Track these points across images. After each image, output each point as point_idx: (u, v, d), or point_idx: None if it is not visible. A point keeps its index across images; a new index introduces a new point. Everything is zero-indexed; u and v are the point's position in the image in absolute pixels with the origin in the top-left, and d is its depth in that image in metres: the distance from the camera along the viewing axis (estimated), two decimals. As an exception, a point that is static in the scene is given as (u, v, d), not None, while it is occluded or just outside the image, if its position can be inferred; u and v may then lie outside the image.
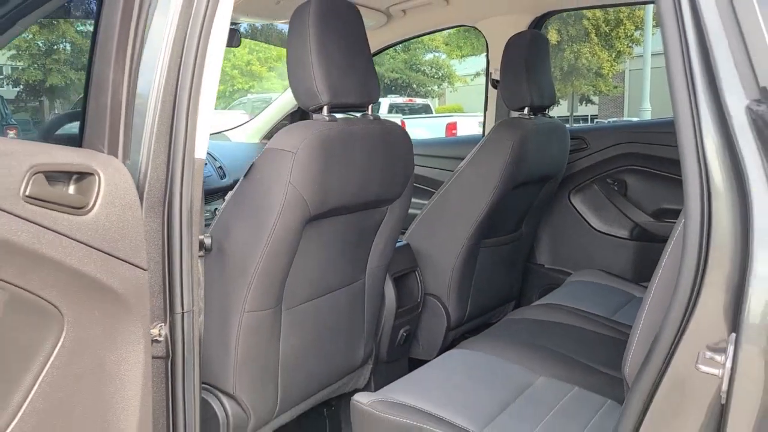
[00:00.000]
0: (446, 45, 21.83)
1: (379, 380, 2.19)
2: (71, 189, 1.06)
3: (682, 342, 0.86)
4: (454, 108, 23.14)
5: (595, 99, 23.82)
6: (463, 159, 2.36)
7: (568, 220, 2.83)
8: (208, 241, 1.44)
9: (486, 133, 2.90)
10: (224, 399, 1.61)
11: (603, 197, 2.78)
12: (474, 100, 25.64)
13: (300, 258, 1.62)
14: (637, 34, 17.64)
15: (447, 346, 2.34)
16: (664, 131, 2.73)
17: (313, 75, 1.54)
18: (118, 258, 1.10)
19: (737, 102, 0.82)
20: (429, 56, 23.76)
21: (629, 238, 2.73)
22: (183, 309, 1.30)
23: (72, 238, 1.02)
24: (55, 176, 1.03)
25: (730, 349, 0.80)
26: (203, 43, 1.27)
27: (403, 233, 2.37)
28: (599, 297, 2.28)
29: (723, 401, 0.81)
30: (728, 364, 0.79)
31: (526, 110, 2.30)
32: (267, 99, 12.96)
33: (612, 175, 2.78)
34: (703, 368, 0.82)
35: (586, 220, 2.81)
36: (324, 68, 1.54)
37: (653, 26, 16.92)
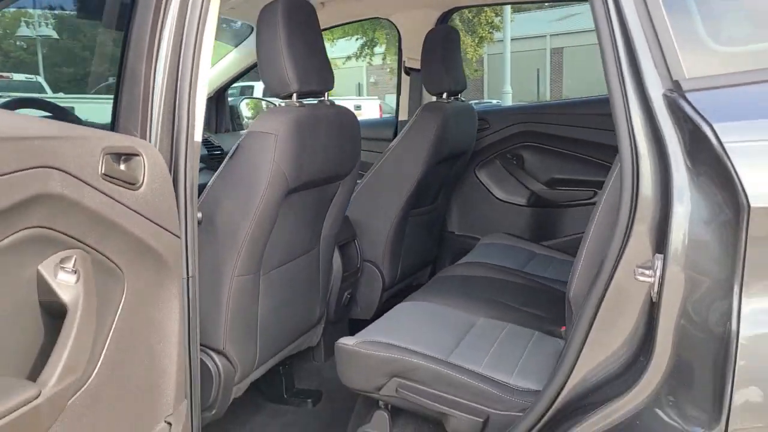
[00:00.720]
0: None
1: (327, 339, 2.44)
2: (122, 168, 1.23)
3: (621, 262, 1.20)
4: (324, 91, 23.16)
5: (459, 82, 24.85)
6: (383, 140, 2.64)
7: (474, 192, 3.19)
8: (199, 215, 1.64)
9: (400, 114, 3.22)
10: (215, 355, 1.80)
11: (504, 170, 3.16)
12: (345, 84, 25.88)
13: (275, 228, 1.84)
14: (497, 20, 18.55)
15: (381, 306, 2.63)
16: (554, 113, 3.16)
17: (284, 67, 1.76)
18: (161, 226, 1.28)
19: (656, 91, 1.15)
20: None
21: (527, 205, 3.14)
22: (188, 274, 1.49)
23: (133, 209, 1.20)
24: (113, 158, 1.20)
25: (658, 263, 1.14)
26: (199, 41, 1.45)
27: None
28: (508, 255, 2.65)
29: (654, 299, 1.15)
30: (658, 273, 1.14)
31: (444, 95, 2.62)
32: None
33: (511, 151, 3.16)
34: (640, 278, 1.16)
35: (490, 191, 3.18)
36: (293, 61, 1.77)
37: (511, 13, 17.97)
